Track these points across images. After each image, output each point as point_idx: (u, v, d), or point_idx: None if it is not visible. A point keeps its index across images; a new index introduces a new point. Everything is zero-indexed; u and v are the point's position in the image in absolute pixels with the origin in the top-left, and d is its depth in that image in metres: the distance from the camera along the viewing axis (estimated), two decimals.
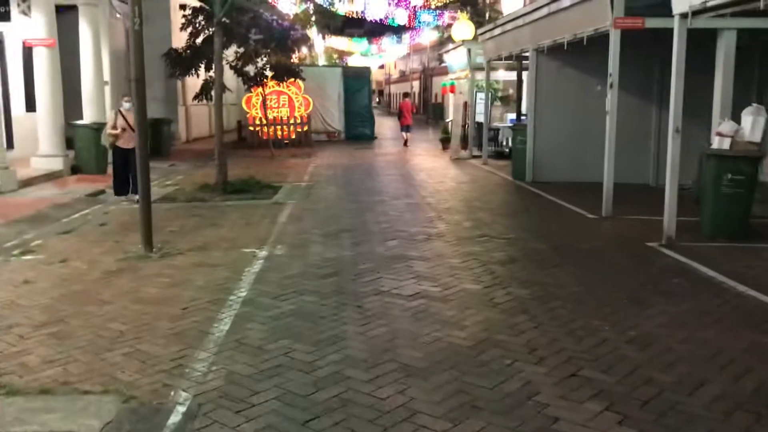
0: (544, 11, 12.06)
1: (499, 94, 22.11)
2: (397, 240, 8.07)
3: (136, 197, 9.43)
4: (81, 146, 15.12)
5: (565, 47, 11.13)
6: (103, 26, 17.23)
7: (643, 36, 10.11)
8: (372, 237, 8.27)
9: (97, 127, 15.27)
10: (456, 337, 4.86)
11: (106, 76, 17.35)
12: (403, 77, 67.00)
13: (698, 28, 7.71)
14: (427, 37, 41.30)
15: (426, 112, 48.61)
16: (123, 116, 11.26)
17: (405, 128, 24.14)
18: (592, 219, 9.62)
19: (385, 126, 29.92)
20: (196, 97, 19.49)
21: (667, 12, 7.90)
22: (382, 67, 71.59)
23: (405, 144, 23.96)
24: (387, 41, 47.55)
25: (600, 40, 10.63)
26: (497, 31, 15.33)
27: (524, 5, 13.95)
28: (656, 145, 13.29)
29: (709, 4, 7.21)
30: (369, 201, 11.15)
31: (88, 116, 16.13)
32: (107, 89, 17.38)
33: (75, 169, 14.74)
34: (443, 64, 53.49)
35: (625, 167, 13.23)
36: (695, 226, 8.45)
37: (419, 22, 34.53)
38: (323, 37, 48.85)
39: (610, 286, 6.20)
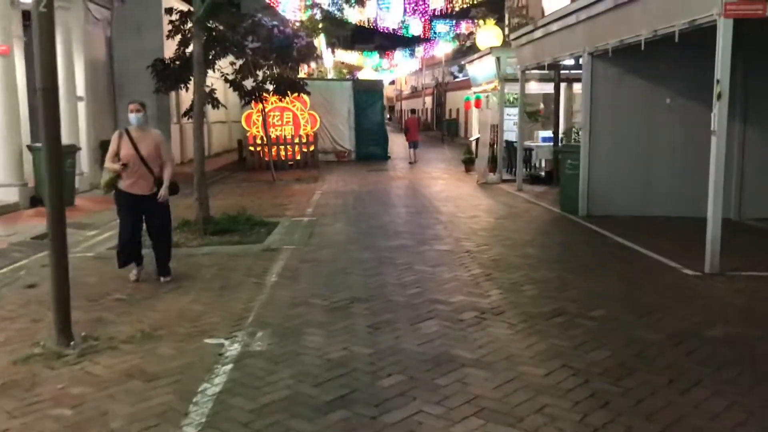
0: (609, 3, 9.57)
1: (527, 108, 19.59)
2: (436, 320, 5.51)
3: (164, 278, 7.00)
4: (43, 173, 12.66)
5: (642, 47, 8.59)
6: (76, 32, 14.87)
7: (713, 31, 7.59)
8: (397, 313, 5.72)
9: (67, 150, 12.93)
10: None
11: (80, 91, 14.97)
12: (415, 93, 64.82)
13: None
14: (442, 49, 38.96)
15: (440, 128, 46.15)
16: (130, 139, 6.81)
17: (412, 144, 23.53)
18: (694, 278, 7.02)
19: (398, 144, 27.44)
20: (186, 114, 17.10)
21: None
22: (392, 83, 69.40)
23: (410, 162, 23.08)
24: (399, 55, 45.25)
25: (668, 41, 8.16)
26: (538, 33, 12.85)
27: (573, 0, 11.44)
28: (739, 169, 10.72)
29: None
30: (388, 246, 8.62)
31: None
32: (81, 106, 15.00)
33: (35, 201, 12.28)
34: (459, 78, 51.15)
35: (696, 196, 10.72)
36: None
37: (434, 33, 32.17)
38: (332, 51, 46.68)
39: None
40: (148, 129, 7.06)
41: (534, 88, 17.81)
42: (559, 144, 15.97)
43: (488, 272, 7.14)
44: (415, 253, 8.16)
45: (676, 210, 10.80)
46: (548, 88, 17.56)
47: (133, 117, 6.92)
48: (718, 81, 6.95)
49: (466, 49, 31.21)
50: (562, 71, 15.68)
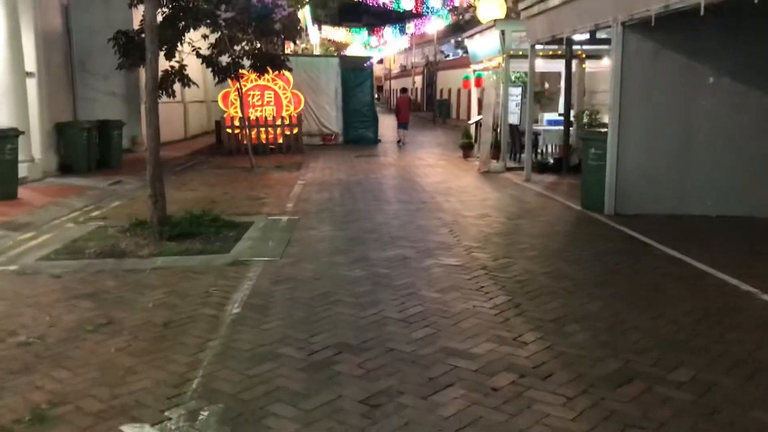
0: None
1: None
2: (458, 389, 3.86)
3: None
4: None
5: (702, 12, 6.91)
6: (25, 1, 12.97)
7: None
8: (403, 376, 4.07)
9: (15, 134, 11.15)
10: None
11: (30, 65, 13.10)
12: (405, 72, 62.90)
13: None
14: (434, 25, 37.02)
15: (431, 109, 44.35)
16: None
17: (402, 125, 22.70)
18: None
19: (388, 125, 25.69)
20: None
21: None
22: (381, 62, 67.31)
23: (399, 143, 22.38)
24: (389, 32, 43.20)
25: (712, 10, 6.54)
26: (555, 1, 11.12)
27: None
28: None
29: None
30: (383, 259, 6.96)
31: (2, 119, 11.96)
32: (32, 82, 13.14)
33: None
34: (450, 56, 49.25)
35: (745, 193, 9.19)
36: None
37: (427, 8, 30.27)
38: (319, 27, 44.56)
39: None
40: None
41: (537, 65, 16.05)
42: (571, 128, 14.34)
43: (516, 301, 5.49)
44: (418, 270, 6.50)
45: (719, 208, 9.25)
46: (552, 66, 15.88)
47: None
48: None
49: (465, 23, 29.33)
50: (574, 46, 14.01)
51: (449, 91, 44.81)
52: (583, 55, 14.86)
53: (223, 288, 5.97)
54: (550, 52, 14.54)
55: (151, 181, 8.17)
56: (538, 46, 13.20)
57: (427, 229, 8.43)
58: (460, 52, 51.20)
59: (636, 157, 9.40)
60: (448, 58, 49.02)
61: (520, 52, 14.80)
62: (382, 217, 9.36)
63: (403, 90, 31.08)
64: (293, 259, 6.98)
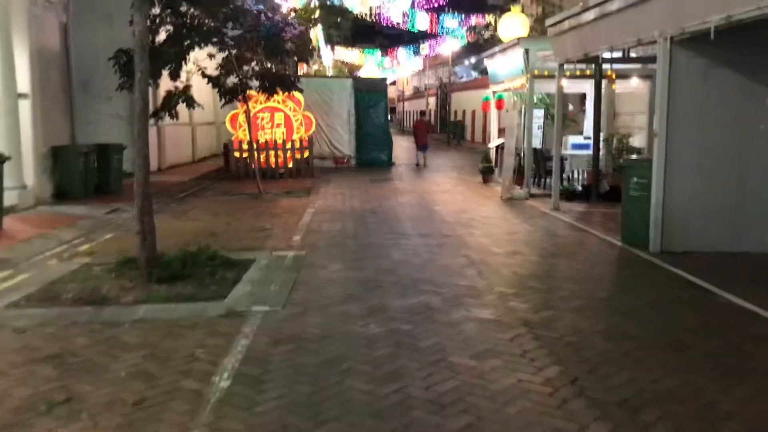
0: None
1: (550, 111, 16.96)
2: None
3: None
4: None
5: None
6: (18, 16, 12.18)
7: None
8: None
9: (2, 160, 10.28)
10: None
11: (24, 86, 12.28)
12: (418, 93, 62.27)
13: None
14: (449, 46, 36.26)
15: (445, 131, 43.45)
16: None
17: (421, 148, 22.54)
18: None
19: (401, 147, 24.76)
20: (155, 114, 14.42)
21: None
22: (394, 83, 66.71)
23: (418, 165, 22.24)
24: (402, 52, 42.54)
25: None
26: (588, 15, 10.15)
27: None
28: None
29: None
30: (404, 309, 5.94)
31: None
32: (25, 104, 12.31)
33: None
34: (464, 78, 48.46)
35: None
36: None
37: (442, 28, 29.48)
38: (332, 48, 43.99)
39: None
40: None
41: (552, 87, 15.06)
42: (600, 152, 13.32)
43: (572, 373, 4.44)
44: (446, 326, 5.46)
45: None
46: (574, 86, 14.94)
47: None
48: None
49: (484, 42, 28.49)
50: (605, 65, 13.04)
51: (463, 112, 43.97)
52: (613, 75, 13.87)
53: (212, 349, 4.97)
54: (578, 72, 13.57)
55: (139, 216, 7.21)
56: (567, 65, 12.22)
57: (451, 270, 7.40)
58: (474, 73, 50.54)
59: (685, 188, 8.35)
60: (462, 80, 48.29)
61: (546, 72, 13.85)
62: (400, 253, 8.35)
63: (422, 113, 30.44)
64: (298, 310, 5.98)
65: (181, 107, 14.19)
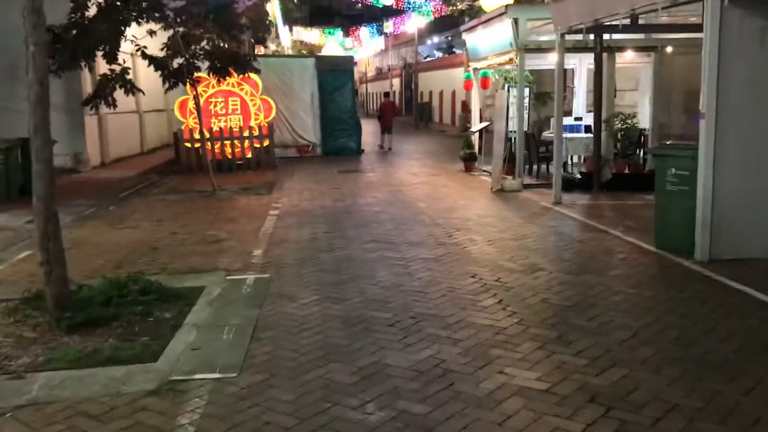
0: None
1: (535, 89, 15.34)
2: None
3: None
4: None
5: None
6: None
7: None
8: None
9: None
10: None
11: None
12: (381, 75, 60.28)
13: None
14: (414, 23, 34.34)
15: (411, 113, 41.62)
16: None
17: (386, 130, 21.80)
18: None
19: (366, 131, 22.81)
20: (87, 102, 12.36)
21: None
22: (355, 64, 64.59)
23: (381, 147, 21.59)
24: (365, 32, 40.46)
25: None
26: None
27: None
28: None
29: None
30: (411, 377, 4.19)
31: None
32: None
33: None
34: (431, 57, 46.60)
35: None
36: None
37: (408, 3, 27.59)
38: (290, 29, 41.74)
39: None
40: None
41: (544, 62, 13.41)
42: (601, 133, 11.73)
43: None
44: (478, 406, 3.71)
45: None
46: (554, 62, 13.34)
47: None
48: None
49: (460, 14, 26.64)
50: (606, 34, 11.42)
51: (430, 93, 42.20)
52: (615, 48, 12.23)
53: None
54: (573, 44, 11.92)
55: (41, 242, 5.31)
56: (568, 37, 10.54)
57: (462, 298, 5.67)
58: (437, 53, 48.74)
59: (737, 181, 6.77)
60: (426, 59, 46.45)
61: (538, 46, 12.17)
62: (389, 272, 6.59)
63: (386, 95, 28.76)
64: (260, 377, 4.19)
65: (129, 94, 12.19)
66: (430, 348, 4.56)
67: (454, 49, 42.24)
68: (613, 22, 10.07)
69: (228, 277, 6.57)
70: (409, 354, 4.47)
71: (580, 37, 12.13)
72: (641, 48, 12.83)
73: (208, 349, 4.69)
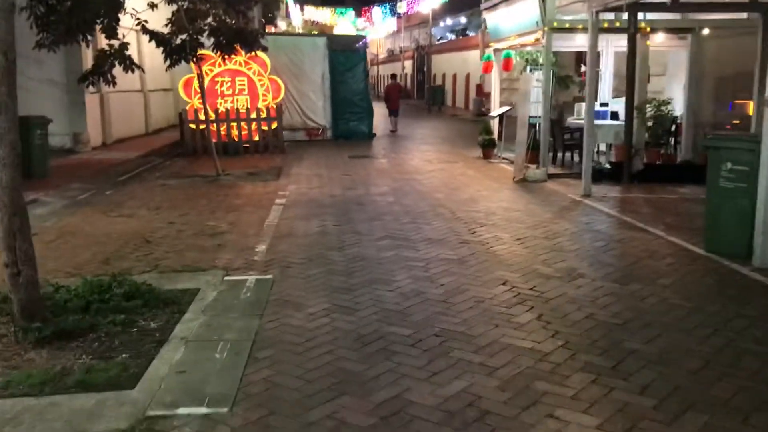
0: None
1: (557, 72, 14.44)
2: None
3: None
4: None
5: None
6: None
7: None
8: None
9: None
10: None
11: None
12: (392, 57, 59.10)
13: None
14: (429, 3, 33.29)
15: (423, 96, 40.61)
16: None
17: (393, 112, 21.77)
18: None
19: (378, 114, 21.95)
20: (84, 78, 11.59)
21: None
22: (367, 45, 63.40)
23: (392, 131, 21.30)
24: (377, 12, 39.44)
25: None
26: None
27: None
28: None
29: None
30: (440, 419, 3.45)
31: None
32: None
33: None
34: (445, 38, 45.42)
35: None
36: None
37: None
38: (301, 8, 40.78)
39: None
40: None
41: (571, 43, 12.55)
42: (629, 119, 10.87)
43: None
44: None
45: None
46: (567, 44, 12.54)
47: None
48: None
49: None
50: (641, 12, 10.54)
51: (443, 76, 41.14)
52: (648, 29, 11.33)
53: None
54: (580, 27, 11.09)
55: (5, 240, 4.57)
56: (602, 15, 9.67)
57: (494, 312, 4.90)
58: (450, 36, 47.56)
59: None
60: (440, 41, 45.34)
61: (567, 25, 11.31)
62: (408, 276, 5.82)
63: (393, 77, 28.04)
64: (256, 413, 3.45)
65: (128, 71, 11.42)
66: (461, 378, 3.80)
67: (467, 32, 41.12)
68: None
69: (226, 278, 5.84)
70: (436, 387, 3.71)
71: (611, 16, 11.34)
72: (675, 30, 11.92)
73: (197, 373, 3.95)
